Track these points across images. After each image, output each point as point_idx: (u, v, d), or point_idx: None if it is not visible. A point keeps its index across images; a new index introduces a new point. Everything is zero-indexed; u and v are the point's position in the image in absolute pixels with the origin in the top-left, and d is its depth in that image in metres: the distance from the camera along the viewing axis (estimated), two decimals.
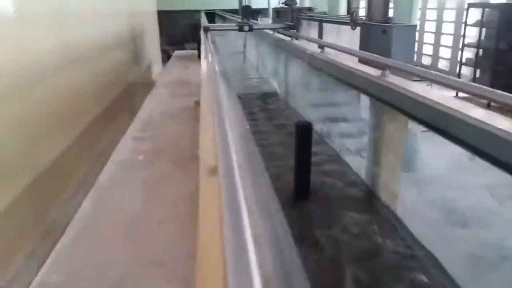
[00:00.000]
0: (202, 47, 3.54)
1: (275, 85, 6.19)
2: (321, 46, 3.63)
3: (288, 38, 4.62)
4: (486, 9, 7.50)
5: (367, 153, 3.09)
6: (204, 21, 6.87)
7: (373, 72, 2.74)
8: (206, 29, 4.40)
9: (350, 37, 6.46)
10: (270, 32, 5.20)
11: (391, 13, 6.77)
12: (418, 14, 8.19)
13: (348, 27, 7.02)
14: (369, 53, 2.88)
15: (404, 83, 2.41)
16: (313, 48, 3.95)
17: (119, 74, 5.60)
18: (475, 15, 7.80)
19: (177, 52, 8.05)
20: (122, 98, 5.36)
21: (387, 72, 2.50)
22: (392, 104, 2.43)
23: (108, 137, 4.11)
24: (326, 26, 8.53)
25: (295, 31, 4.88)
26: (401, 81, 2.51)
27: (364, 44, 5.61)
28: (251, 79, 7.39)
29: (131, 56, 6.86)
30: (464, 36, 8.19)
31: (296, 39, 4.46)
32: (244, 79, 7.24)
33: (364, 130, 3.66)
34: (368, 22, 5.63)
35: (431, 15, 10.31)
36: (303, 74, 4.64)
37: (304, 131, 2.65)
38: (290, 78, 5.31)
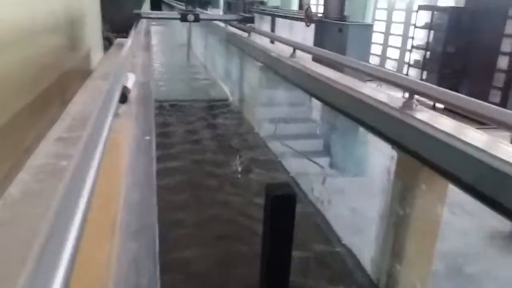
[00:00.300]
0: (128, 39, 2.85)
1: (227, 93, 5.24)
2: (295, 48, 2.85)
3: (243, 33, 4.07)
4: (435, 12, 7.61)
5: (376, 233, 2.02)
6: (146, 8, 6.19)
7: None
8: (138, 16, 3.72)
9: (304, 34, 6.26)
10: (222, 25, 4.70)
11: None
12: (371, 13, 8.17)
13: (300, 23, 6.81)
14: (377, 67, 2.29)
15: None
16: (276, 47, 3.37)
17: (51, 61, 4.98)
18: (424, 17, 7.89)
19: (119, 40, 7.42)
20: (54, 89, 4.77)
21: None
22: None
23: (34, 135, 3.57)
24: (278, 21, 8.29)
25: (253, 25, 4.14)
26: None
27: (319, 41, 5.42)
28: (195, 81, 6.23)
29: (66, 41, 6.19)
30: (412, 38, 8.29)
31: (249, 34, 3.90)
32: (186, 81, 6.11)
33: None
34: (323, 19, 5.44)
35: (381, 15, 10.40)
36: (265, 84, 3.97)
37: (280, 204, 1.55)
38: (249, 92, 4.48)
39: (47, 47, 5.08)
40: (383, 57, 10.32)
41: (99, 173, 0.74)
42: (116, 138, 1.25)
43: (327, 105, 2.26)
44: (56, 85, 4.92)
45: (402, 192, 1.73)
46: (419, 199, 1.66)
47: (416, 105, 1.73)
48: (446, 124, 1.60)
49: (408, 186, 1.70)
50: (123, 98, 1.55)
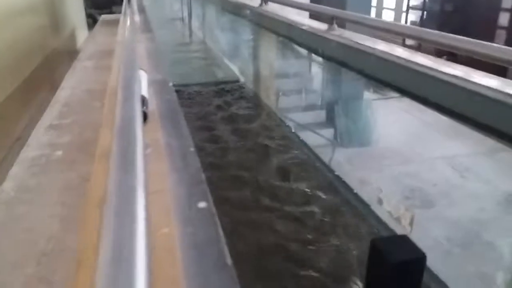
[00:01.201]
0: (121, 19, 2.29)
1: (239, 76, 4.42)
2: (333, 17, 2.29)
3: (251, 3, 3.59)
4: None
5: None
6: None
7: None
8: None
9: None
10: None
11: None
12: None
13: None
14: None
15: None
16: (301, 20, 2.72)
17: (35, 43, 4.71)
18: None
19: (104, 17, 7.06)
20: (40, 72, 4.52)
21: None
22: None
23: (25, 123, 3.37)
24: None
25: None
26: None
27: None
28: (199, 61, 5.42)
29: (49, 21, 5.88)
30: None
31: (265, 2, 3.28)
32: (189, 62, 5.34)
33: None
34: None
35: None
36: (288, 63, 3.51)
37: (401, 271, 1.04)
38: (267, 73, 3.90)
39: (29, 28, 4.80)
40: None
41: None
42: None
43: (431, 106, 1.58)
44: (43, 68, 4.67)
45: None
46: None
47: None
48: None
49: None
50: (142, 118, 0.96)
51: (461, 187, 3.10)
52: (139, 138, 0.64)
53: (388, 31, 2.02)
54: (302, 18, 2.82)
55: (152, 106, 1.19)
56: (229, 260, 0.54)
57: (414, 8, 7.91)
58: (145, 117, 1.04)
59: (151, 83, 1.36)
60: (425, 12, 7.53)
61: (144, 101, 1.06)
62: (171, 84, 1.45)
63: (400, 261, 1.00)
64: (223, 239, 0.59)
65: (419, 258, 1.01)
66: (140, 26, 2.88)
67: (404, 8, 8.27)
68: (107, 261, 0.33)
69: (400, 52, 1.86)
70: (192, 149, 0.96)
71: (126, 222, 0.39)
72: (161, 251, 0.57)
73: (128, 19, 2.27)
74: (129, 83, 0.93)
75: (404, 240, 1.06)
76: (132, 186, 0.46)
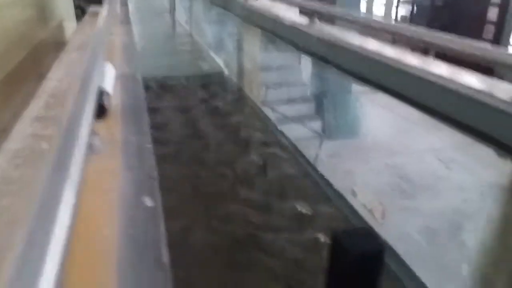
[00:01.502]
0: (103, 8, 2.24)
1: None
2: (313, 13, 2.24)
3: None
4: None
5: None
6: None
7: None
8: None
9: None
10: None
11: None
12: None
13: None
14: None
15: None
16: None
17: (21, 35, 4.65)
18: None
19: (93, 8, 6.95)
20: (27, 64, 4.47)
21: None
22: None
23: (10, 114, 3.34)
24: None
25: None
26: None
27: None
28: (183, 54, 5.43)
29: (36, 13, 5.81)
30: None
31: None
32: (173, 54, 5.34)
33: None
34: None
35: None
36: (270, 56, 3.51)
37: (359, 264, 0.99)
38: (250, 67, 3.82)
39: (16, 20, 4.73)
40: (369, 13, 10.04)
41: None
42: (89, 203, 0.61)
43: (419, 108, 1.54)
44: (28, 60, 4.62)
45: None
46: None
47: None
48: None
49: None
50: (100, 111, 0.94)
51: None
52: (84, 134, 0.62)
53: (368, 27, 2.01)
54: (290, 14, 2.81)
55: (117, 101, 1.14)
56: (165, 259, 0.54)
57: (404, 1, 7.92)
58: (104, 111, 1.00)
59: (119, 77, 1.32)
60: (415, 7, 7.55)
61: (103, 95, 1.01)
62: (139, 78, 1.41)
63: (361, 253, 0.97)
64: (164, 239, 0.59)
65: (379, 250, 0.99)
66: (119, 18, 2.83)
67: (395, 2, 8.29)
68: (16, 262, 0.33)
69: (373, 46, 1.86)
70: (148, 145, 0.91)
71: (46, 227, 0.38)
72: (97, 252, 0.58)
73: (105, 11, 2.20)
74: (86, 76, 0.88)
75: (365, 232, 1.06)
76: (63, 184, 0.45)
